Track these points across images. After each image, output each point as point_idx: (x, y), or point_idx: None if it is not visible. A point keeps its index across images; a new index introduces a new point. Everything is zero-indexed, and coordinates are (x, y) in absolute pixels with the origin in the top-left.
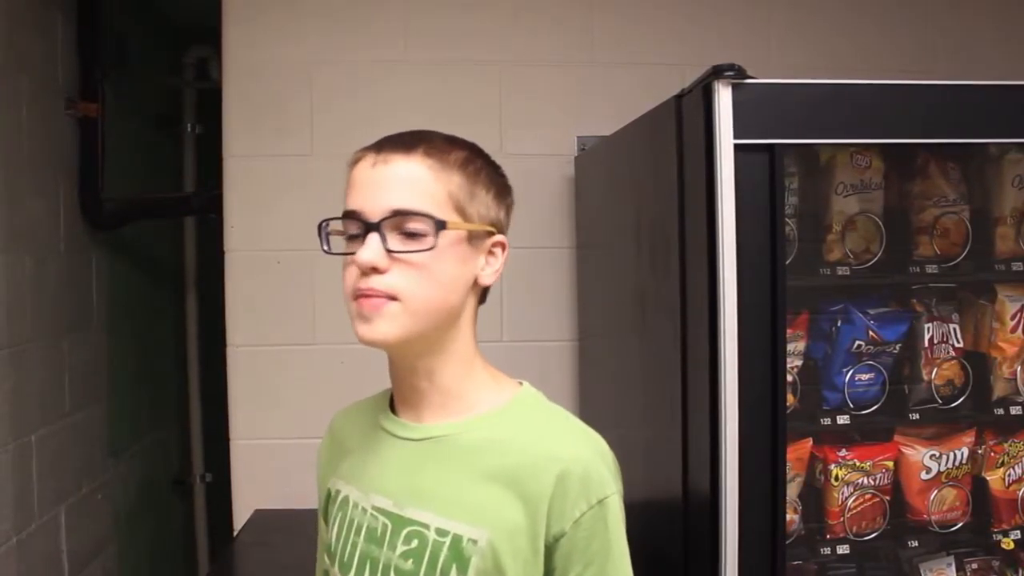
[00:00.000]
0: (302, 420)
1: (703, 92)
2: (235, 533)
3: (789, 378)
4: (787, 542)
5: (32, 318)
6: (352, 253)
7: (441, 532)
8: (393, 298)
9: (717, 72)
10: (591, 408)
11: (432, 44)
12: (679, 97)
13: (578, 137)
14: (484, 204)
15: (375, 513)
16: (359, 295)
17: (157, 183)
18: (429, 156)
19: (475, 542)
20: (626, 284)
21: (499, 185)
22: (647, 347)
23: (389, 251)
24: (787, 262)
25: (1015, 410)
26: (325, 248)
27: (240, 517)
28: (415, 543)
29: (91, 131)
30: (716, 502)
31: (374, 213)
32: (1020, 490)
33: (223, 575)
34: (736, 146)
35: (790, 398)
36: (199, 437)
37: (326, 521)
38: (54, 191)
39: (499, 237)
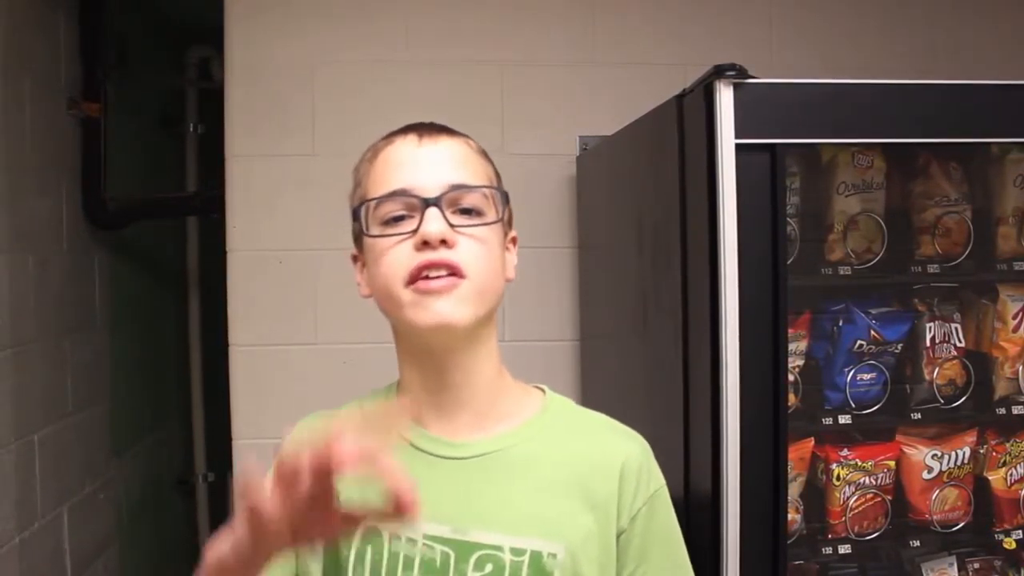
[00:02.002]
0: None
1: (704, 92)
2: None
3: (791, 378)
4: (788, 542)
5: (35, 318)
6: (404, 233)
7: (517, 552)
8: (462, 276)
9: (718, 72)
10: (592, 408)
11: (434, 44)
12: (680, 97)
13: (580, 137)
14: (504, 196)
15: (429, 543)
16: (424, 271)
17: (159, 183)
18: (471, 140)
19: (555, 556)
20: (628, 284)
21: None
22: (648, 347)
23: (452, 226)
24: (788, 262)
25: (1017, 410)
26: (367, 232)
27: None
28: (489, 567)
29: (93, 131)
30: (717, 501)
31: (430, 188)
32: (1022, 490)
33: None
34: (737, 146)
35: (791, 398)
36: (201, 436)
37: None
38: (56, 191)
39: (514, 232)
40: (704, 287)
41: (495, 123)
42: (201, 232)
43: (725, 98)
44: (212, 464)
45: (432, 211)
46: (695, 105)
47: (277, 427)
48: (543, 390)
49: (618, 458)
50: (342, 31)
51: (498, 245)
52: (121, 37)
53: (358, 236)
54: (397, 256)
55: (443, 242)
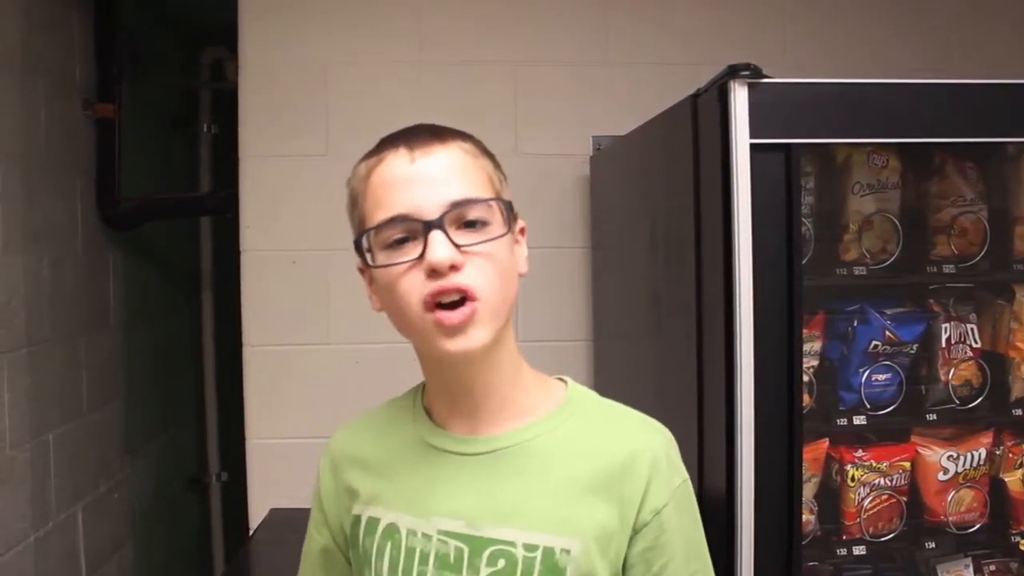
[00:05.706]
0: (318, 419)
1: (719, 92)
2: (251, 532)
3: (805, 378)
4: (803, 543)
5: (49, 318)
6: (410, 260)
7: (530, 548)
8: (474, 298)
9: (733, 71)
10: None
11: (447, 44)
12: (695, 97)
13: (593, 137)
14: (506, 187)
15: (443, 538)
16: (437, 298)
17: (173, 183)
18: (463, 141)
19: (568, 552)
20: (641, 284)
21: (502, 168)
22: (662, 347)
23: (458, 246)
24: (803, 262)
25: None
26: (372, 263)
27: (256, 516)
28: (502, 563)
29: (108, 132)
30: (732, 502)
31: (430, 210)
32: None
33: (238, 574)
34: (752, 146)
35: (806, 398)
36: (215, 436)
37: (348, 551)
38: (71, 191)
39: (522, 222)
40: (718, 287)
41: (508, 123)
42: (215, 232)
43: (740, 98)
44: (225, 463)
45: (436, 235)
46: (709, 105)
47: (291, 426)
48: (566, 381)
49: (642, 452)
50: (356, 32)
51: (508, 251)
52: (135, 38)
53: (360, 251)
54: (408, 285)
55: (452, 267)
